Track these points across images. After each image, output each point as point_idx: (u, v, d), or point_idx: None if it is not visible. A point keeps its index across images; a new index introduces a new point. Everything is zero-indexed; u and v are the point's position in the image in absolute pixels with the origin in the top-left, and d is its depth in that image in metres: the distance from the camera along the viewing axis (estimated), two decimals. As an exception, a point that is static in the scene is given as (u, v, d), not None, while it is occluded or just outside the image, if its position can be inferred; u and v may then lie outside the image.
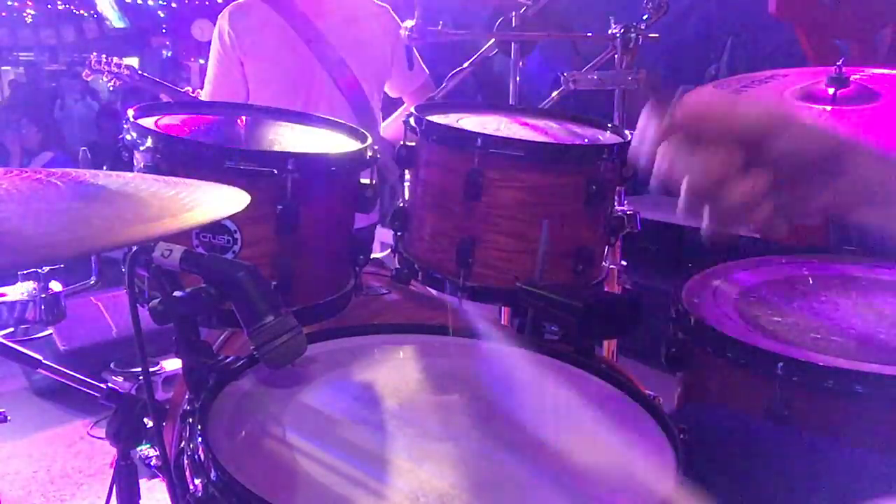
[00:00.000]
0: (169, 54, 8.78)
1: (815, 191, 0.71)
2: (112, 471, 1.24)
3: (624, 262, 2.16)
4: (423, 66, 2.53)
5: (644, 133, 0.74)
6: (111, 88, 3.01)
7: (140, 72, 3.09)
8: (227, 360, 1.03)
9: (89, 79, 3.05)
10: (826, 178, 0.70)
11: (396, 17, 2.44)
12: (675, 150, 0.72)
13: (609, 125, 1.62)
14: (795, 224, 0.74)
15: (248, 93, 2.29)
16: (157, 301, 0.96)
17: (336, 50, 2.29)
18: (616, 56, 2.14)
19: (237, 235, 1.20)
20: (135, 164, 1.26)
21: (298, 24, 2.27)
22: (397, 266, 1.55)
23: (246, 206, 0.91)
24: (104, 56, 2.95)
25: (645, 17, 2.11)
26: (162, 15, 9.04)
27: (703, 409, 1.21)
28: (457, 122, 1.49)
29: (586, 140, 1.54)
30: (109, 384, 1.26)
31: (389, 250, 1.60)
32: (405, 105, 2.59)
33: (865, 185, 0.71)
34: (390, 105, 2.61)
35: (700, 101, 0.72)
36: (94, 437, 3.16)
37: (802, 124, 0.70)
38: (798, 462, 1.01)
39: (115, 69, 2.92)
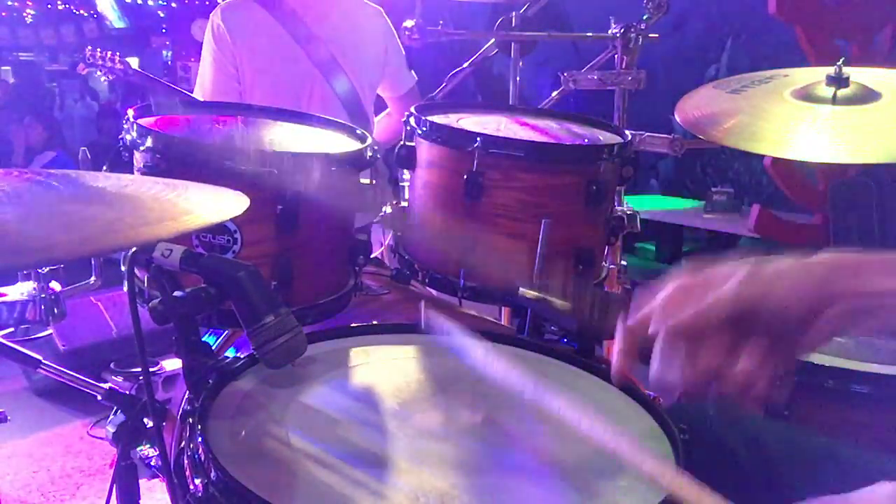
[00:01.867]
0: (169, 54, 8.78)
1: (803, 338, 0.71)
2: (112, 471, 1.24)
3: (624, 262, 2.16)
4: (413, 72, 2.53)
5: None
6: (104, 81, 2.99)
7: (135, 68, 3.08)
8: (227, 360, 1.03)
9: (84, 72, 3.04)
10: (811, 323, 0.70)
11: (389, 21, 2.44)
12: (662, 357, 0.72)
13: (609, 125, 1.62)
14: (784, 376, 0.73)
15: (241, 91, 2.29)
16: (157, 301, 0.96)
17: (329, 50, 2.28)
18: (616, 56, 2.14)
19: (237, 235, 1.20)
20: (135, 164, 1.26)
21: (290, 24, 2.27)
22: (397, 266, 1.56)
23: (246, 206, 0.91)
24: (99, 50, 2.94)
25: (645, 17, 2.12)
26: (162, 15, 9.04)
27: (701, 407, 1.21)
28: (457, 122, 1.49)
29: (586, 140, 1.54)
30: (109, 384, 1.26)
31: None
32: (388, 109, 2.59)
33: (850, 314, 0.70)
34: (383, 107, 2.61)
35: (668, 302, 0.73)
36: (94, 437, 3.16)
37: (779, 289, 0.70)
38: (798, 461, 1.01)
39: (109, 63, 2.91)
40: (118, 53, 2.96)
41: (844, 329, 0.70)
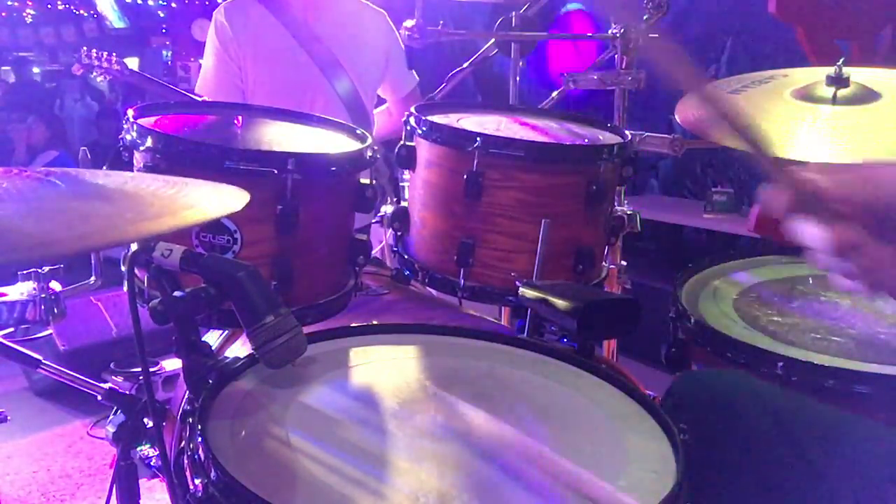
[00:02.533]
0: (169, 54, 8.78)
1: None
2: (112, 471, 1.24)
3: (624, 262, 2.16)
4: (414, 73, 2.53)
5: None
6: (100, 81, 2.96)
7: (131, 69, 3.07)
8: (227, 360, 1.03)
9: (79, 73, 3.02)
10: None
11: (391, 22, 2.44)
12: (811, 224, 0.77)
13: (609, 125, 1.62)
14: None
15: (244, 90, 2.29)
16: (157, 301, 0.96)
17: (331, 51, 2.29)
18: (616, 56, 2.14)
19: (237, 235, 1.20)
20: (135, 164, 1.26)
21: (292, 24, 2.27)
22: (397, 266, 1.56)
23: (246, 206, 0.91)
24: (94, 51, 2.93)
25: (645, 17, 2.12)
26: (162, 15, 9.03)
27: (714, 374, 1.20)
28: (457, 122, 1.49)
29: (586, 140, 1.54)
30: (109, 384, 1.26)
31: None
32: (385, 105, 2.59)
33: None
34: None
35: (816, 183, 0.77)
36: (94, 437, 3.16)
37: None
38: (814, 431, 1.01)
39: (105, 64, 2.89)
40: (114, 54, 2.95)
41: None
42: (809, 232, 0.77)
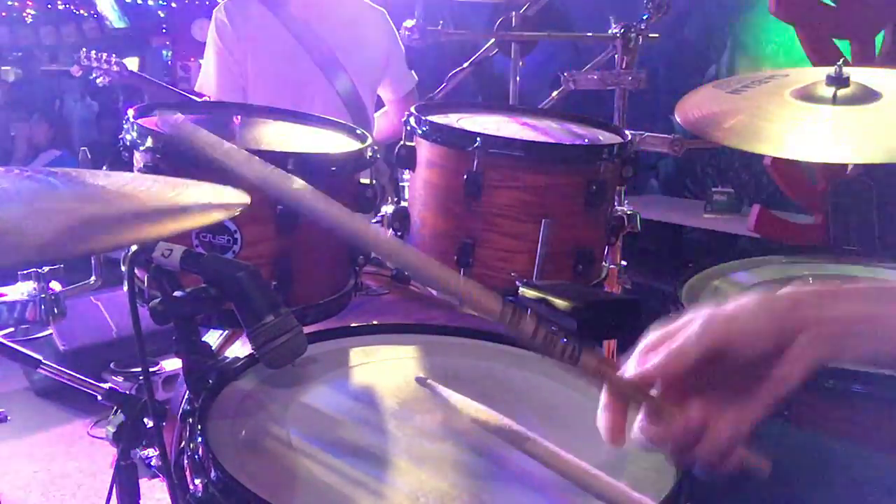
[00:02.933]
0: (169, 54, 8.77)
1: (776, 374, 0.69)
2: (112, 471, 1.24)
3: (624, 262, 2.16)
4: (414, 74, 2.53)
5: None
6: (100, 84, 2.95)
7: (130, 70, 3.07)
8: (227, 360, 1.03)
9: (78, 74, 3.02)
10: (779, 357, 0.68)
11: (391, 22, 2.44)
12: (644, 424, 0.70)
13: (609, 125, 1.62)
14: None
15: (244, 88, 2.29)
16: (157, 301, 0.96)
17: (331, 50, 2.29)
18: (616, 56, 2.14)
19: (237, 235, 1.20)
20: (135, 164, 1.26)
21: (293, 23, 2.27)
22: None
23: (246, 206, 0.91)
24: (94, 52, 2.93)
25: (645, 17, 2.12)
26: (162, 15, 9.02)
27: None
28: (457, 122, 1.49)
29: (586, 140, 1.54)
30: (109, 384, 1.26)
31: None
32: (384, 109, 2.59)
33: (819, 342, 0.68)
34: (380, 106, 2.61)
35: (641, 366, 0.71)
36: (94, 437, 3.16)
37: (740, 326, 0.68)
38: (799, 459, 1.01)
39: (104, 65, 2.89)
40: (114, 55, 2.94)
41: (820, 359, 0.67)
42: (651, 431, 0.69)
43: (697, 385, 0.69)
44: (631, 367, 0.71)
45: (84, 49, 2.94)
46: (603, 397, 0.71)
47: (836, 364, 1.19)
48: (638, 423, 0.70)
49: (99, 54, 2.91)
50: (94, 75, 2.91)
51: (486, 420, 0.88)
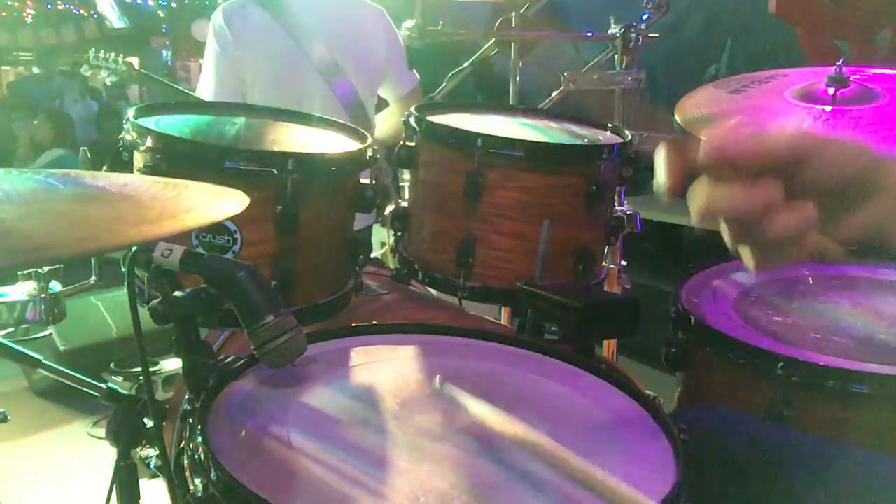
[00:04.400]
0: (169, 54, 8.79)
1: (856, 210, 0.68)
2: (112, 471, 1.24)
3: (624, 262, 2.16)
4: (415, 72, 2.53)
5: (667, 169, 0.70)
6: (108, 84, 2.98)
7: (137, 69, 3.08)
8: (227, 360, 1.03)
9: (88, 74, 3.03)
10: (865, 197, 0.67)
11: (390, 20, 2.44)
12: (712, 188, 0.69)
13: (609, 125, 1.62)
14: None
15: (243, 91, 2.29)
16: (157, 301, 0.96)
17: (330, 52, 2.28)
18: (616, 56, 2.14)
19: (237, 235, 1.20)
20: (135, 164, 1.26)
21: (291, 27, 2.27)
22: (397, 266, 1.56)
23: (246, 206, 0.91)
24: (102, 52, 2.95)
25: (645, 17, 2.12)
26: (162, 15, 9.04)
27: (702, 410, 1.21)
28: (457, 122, 1.49)
29: (586, 140, 1.54)
30: (109, 384, 1.26)
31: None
32: (388, 109, 2.59)
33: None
34: (385, 107, 2.61)
35: (726, 136, 0.68)
36: (94, 437, 3.16)
37: (835, 145, 0.67)
38: (799, 463, 1.01)
39: (112, 65, 2.91)
40: (121, 55, 2.96)
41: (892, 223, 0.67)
42: (717, 199, 0.69)
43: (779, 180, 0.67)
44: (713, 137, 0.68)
45: (92, 49, 2.95)
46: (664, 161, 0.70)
47: (838, 365, 1.19)
48: (703, 189, 0.69)
49: (107, 54, 2.93)
50: (102, 75, 2.93)
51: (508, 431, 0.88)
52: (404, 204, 1.53)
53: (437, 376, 0.99)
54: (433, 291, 1.60)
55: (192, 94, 2.63)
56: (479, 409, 0.92)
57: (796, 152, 0.67)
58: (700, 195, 0.70)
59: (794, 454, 1.02)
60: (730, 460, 1.02)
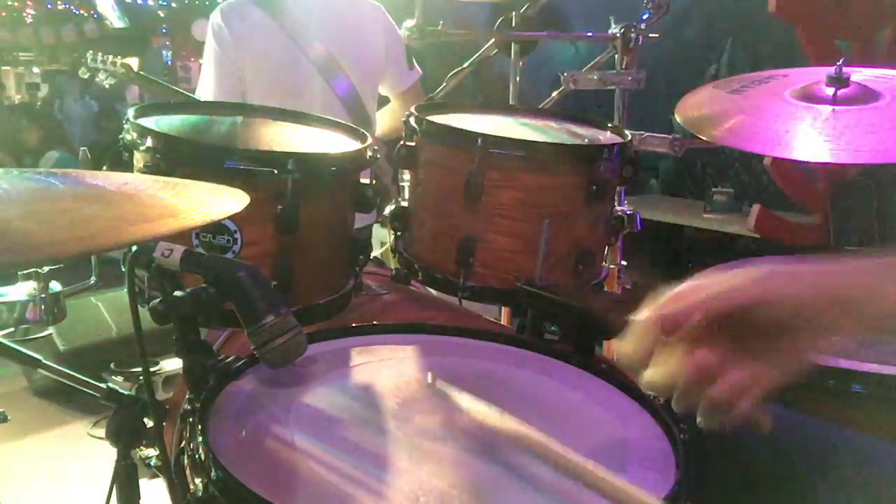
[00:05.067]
0: (169, 54, 8.79)
1: (809, 343, 0.70)
2: (112, 471, 1.24)
3: (624, 262, 2.16)
4: (417, 66, 2.53)
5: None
6: (107, 87, 2.97)
7: (137, 71, 3.08)
8: (227, 360, 1.03)
9: (86, 76, 3.03)
10: (817, 329, 0.69)
11: (389, 16, 2.44)
12: (662, 359, 0.72)
13: (609, 125, 1.62)
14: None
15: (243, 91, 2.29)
16: (157, 301, 0.96)
17: (329, 51, 2.28)
18: (616, 56, 2.14)
19: (237, 235, 1.20)
20: (135, 164, 1.26)
21: (289, 25, 2.27)
22: (397, 266, 1.55)
23: (246, 206, 0.91)
24: (100, 54, 2.94)
25: (645, 17, 2.12)
26: (162, 15, 9.03)
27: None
28: (457, 122, 1.49)
29: (586, 140, 1.54)
30: (109, 384, 1.26)
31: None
32: (389, 105, 2.59)
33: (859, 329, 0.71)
34: (386, 104, 2.61)
35: (671, 300, 0.72)
36: (94, 437, 3.16)
37: (782, 296, 0.69)
38: (803, 446, 1.01)
39: (110, 67, 2.90)
40: (119, 57, 2.96)
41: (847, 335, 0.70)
42: (665, 368, 0.71)
43: (719, 337, 0.70)
44: (663, 306, 0.73)
45: (91, 52, 2.94)
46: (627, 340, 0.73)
47: (838, 365, 1.19)
48: (652, 363, 0.72)
49: (105, 56, 2.93)
50: (100, 77, 2.92)
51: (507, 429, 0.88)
52: (404, 204, 1.53)
53: (430, 374, 0.99)
54: (433, 291, 1.60)
55: (189, 94, 2.63)
56: (473, 406, 0.92)
57: (745, 306, 0.69)
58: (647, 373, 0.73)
59: (804, 442, 1.01)
60: (734, 445, 1.02)
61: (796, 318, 0.68)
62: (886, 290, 0.69)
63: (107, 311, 3.60)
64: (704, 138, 1.45)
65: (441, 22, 2.23)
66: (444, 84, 2.43)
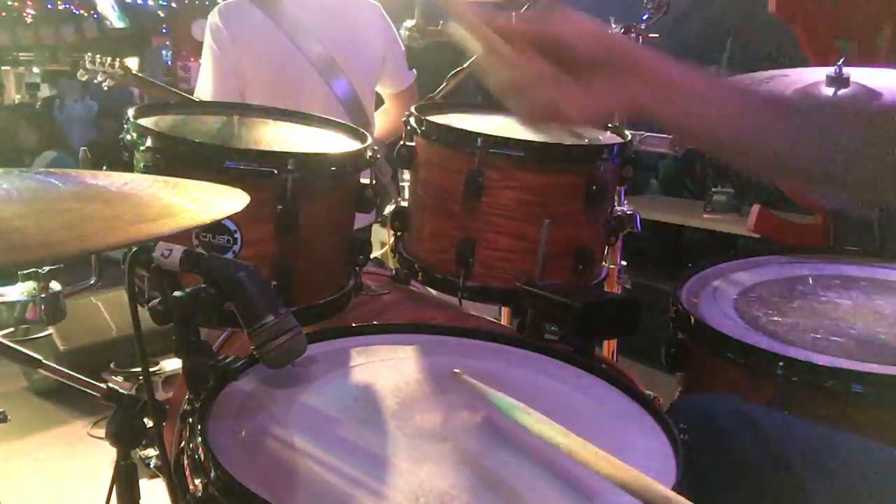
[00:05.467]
0: (169, 54, 8.78)
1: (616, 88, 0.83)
2: (112, 471, 1.24)
3: (624, 262, 2.16)
4: (413, 70, 2.53)
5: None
6: (105, 88, 2.97)
7: (135, 72, 3.07)
8: (227, 360, 1.03)
9: (84, 79, 3.02)
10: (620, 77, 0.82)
11: (387, 16, 2.44)
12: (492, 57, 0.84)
13: (609, 125, 1.62)
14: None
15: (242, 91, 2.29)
16: (157, 301, 0.96)
17: (327, 51, 2.28)
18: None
19: (237, 235, 1.20)
20: (135, 164, 1.26)
21: (287, 26, 2.27)
22: (397, 266, 1.55)
23: (246, 206, 0.91)
24: (98, 56, 2.94)
25: (645, 17, 2.12)
26: (162, 15, 9.02)
27: (705, 398, 1.21)
28: (457, 122, 1.49)
29: (586, 140, 1.54)
30: (109, 384, 1.26)
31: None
32: (385, 106, 2.59)
33: (652, 80, 0.83)
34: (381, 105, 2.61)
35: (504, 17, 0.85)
36: (94, 437, 3.16)
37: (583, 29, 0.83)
38: (801, 451, 1.01)
39: (108, 69, 2.90)
40: (117, 59, 2.95)
41: (633, 97, 0.83)
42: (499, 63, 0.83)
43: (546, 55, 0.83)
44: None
45: (89, 53, 2.94)
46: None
47: (838, 365, 1.19)
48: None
49: (103, 58, 2.92)
50: (98, 79, 2.92)
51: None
52: (404, 204, 1.53)
53: (454, 370, 1.00)
54: (433, 291, 1.60)
55: (188, 95, 2.63)
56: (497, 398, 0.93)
57: (547, 32, 0.83)
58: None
59: (799, 444, 1.02)
60: (731, 448, 1.02)
61: (604, 60, 0.82)
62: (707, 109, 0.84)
63: (107, 311, 3.59)
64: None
65: (441, 22, 2.23)
66: (444, 84, 2.42)
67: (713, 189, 4.37)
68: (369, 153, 1.33)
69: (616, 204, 1.62)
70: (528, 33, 0.83)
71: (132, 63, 3.01)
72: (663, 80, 0.83)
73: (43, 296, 1.41)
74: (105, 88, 2.91)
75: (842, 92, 1.42)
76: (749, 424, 1.04)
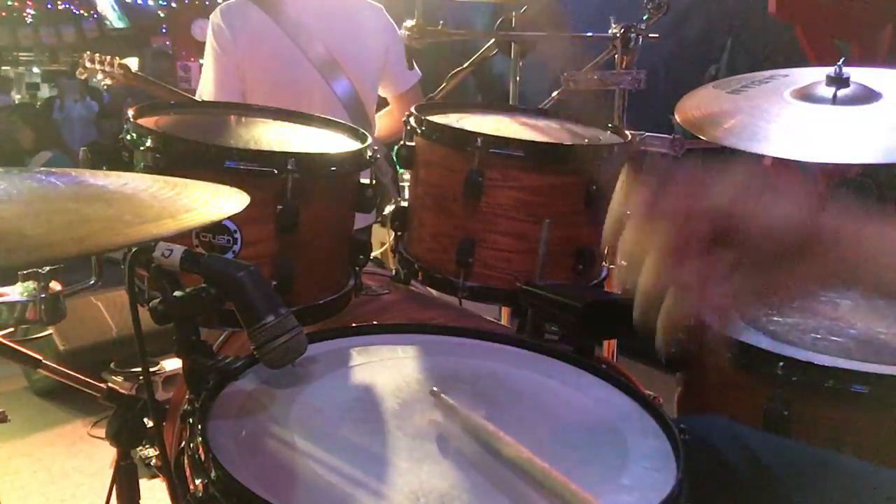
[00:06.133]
0: (169, 54, 8.78)
1: (785, 274, 0.75)
2: (112, 471, 1.24)
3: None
4: (417, 68, 2.53)
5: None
6: (105, 88, 2.98)
7: (135, 72, 3.07)
8: (227, 360, 1.03)
9: (83, 77, 3.02)
10: (796, 262, 0.74)
11: (390, 18, 2.44)
12: (641, 225, 0.79)
13: (609, 125, 1.62)
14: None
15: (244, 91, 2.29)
16: (157, 301, 0.96)
17: (329, 51, 2.28)
18: (616, 56, 2.14)
19: (237, 235, 1.20)
20: (135, 164, 1.26)
21: (289, 26, 2.27)
22: (397, 266, 1.55)
23: (246, 206, 0.91)
24: (98, 55, 2.94)
25: (645, 17, 2.12)
26: (162, 15, 9.03)
27: (697, 420, 1.21)
28: (457, 122, 1.49)
29: (586, 140, 1.54)
30: (109, 384, 1.26)
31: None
32: (388, 108, 2.59)
33: (838, 266, 0.76)
34: (383, 106, 2.61)
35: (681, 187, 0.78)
36: (94, 437, 3.16)
37: (775, 217, 0.75)
38: (794, 474, 1.01)
39: (108, 68, 2.90)
40: (116, 58, 2.95)
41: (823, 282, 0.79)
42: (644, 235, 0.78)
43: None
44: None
45: (88, 52, 2.94)
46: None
47: (838, 365, 1.19)
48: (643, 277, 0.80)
49: (103, 57, 2.92)
50: (98, 78, 2.92)
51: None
52: (404, 204, 1.53)
53: (433, 387, 0.99)
54: (433, 291, 1.60)
55: (188, 95, 2.63)
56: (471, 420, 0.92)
57: (734, 211, 0.75)
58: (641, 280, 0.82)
59: (790, 465, 1.02)
60: (724, 471, 1.02)
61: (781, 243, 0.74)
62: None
63: (107, 311, 3.60)
64: (704, 138, 1.45)
65: (441, 22, 2.23)
66: (444, 84, 2.42)
67: (713, 189, 4.36)
68: (369, 153, 1.33)
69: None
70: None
71: (132, 63, 3.01)
72: None
73: (43, 296, 1.41)
74: (103, 88, 2.92)
75: (842, 92, 1.42)
76: (740, 445, 1.04)
